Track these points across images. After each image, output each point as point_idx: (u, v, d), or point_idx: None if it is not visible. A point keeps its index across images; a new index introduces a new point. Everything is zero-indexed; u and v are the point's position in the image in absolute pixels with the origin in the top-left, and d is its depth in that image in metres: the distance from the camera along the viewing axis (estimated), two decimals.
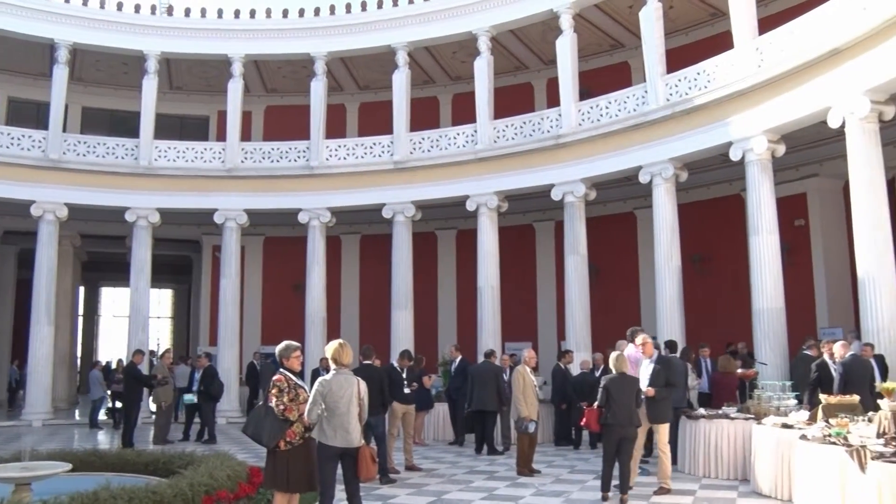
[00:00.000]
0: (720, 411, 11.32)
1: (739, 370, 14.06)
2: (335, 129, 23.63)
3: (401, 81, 21.72)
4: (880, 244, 13.39)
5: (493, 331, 19.89)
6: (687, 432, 11.29)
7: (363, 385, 7.09)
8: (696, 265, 19.93)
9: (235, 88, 22.23)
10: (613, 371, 9.58)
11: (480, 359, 16.12)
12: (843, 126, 14.02)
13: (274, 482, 6.86)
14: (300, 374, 7.25)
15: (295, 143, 22.39)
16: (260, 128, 25.84)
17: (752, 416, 10.74)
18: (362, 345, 19.63)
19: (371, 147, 21.95)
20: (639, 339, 10.64)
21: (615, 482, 9.35)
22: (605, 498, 9.25)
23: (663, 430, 9.98)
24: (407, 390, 12.38)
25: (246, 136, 23.83)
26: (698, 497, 9.48)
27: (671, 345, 13.31)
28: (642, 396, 9.66)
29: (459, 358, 16.48)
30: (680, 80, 17.27)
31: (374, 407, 10.76)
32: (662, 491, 9.67)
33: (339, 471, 7.11)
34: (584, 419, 9.84)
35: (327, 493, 6.99)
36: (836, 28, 13.83)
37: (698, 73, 16.90)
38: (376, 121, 23.71)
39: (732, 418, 10.86)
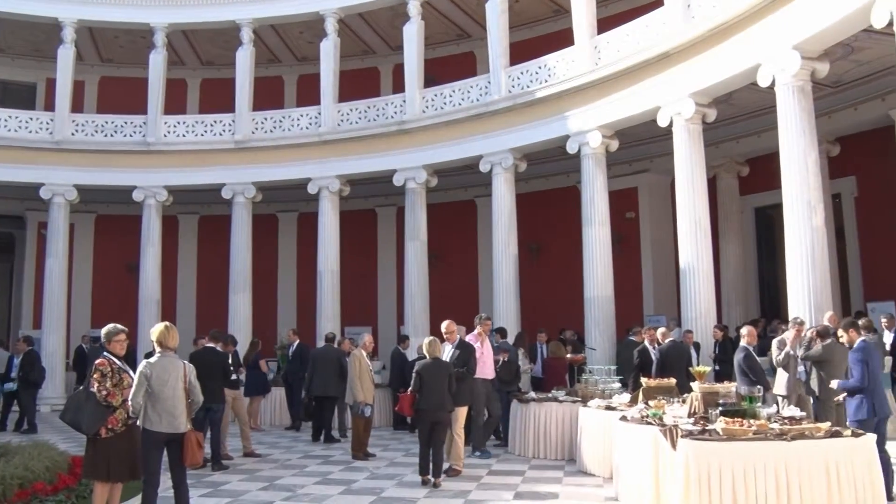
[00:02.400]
0: (550, 395, 11.76)
1: (569, 355, 14.66)
2: (175, 104, 22.74)
3: (245, 59, 21.16)
4: (700, 238, 14.32)
5: (333, 315, 19.83)
6: (518, 415, 11.66)
7: (190, 368, 6.90)
8: (533, 253, 20.59)
9: (66, 55, 20.93)
10: (427, 356, 9.73)
11: (320, 343, 15.99)
12: (671, 125, 14.86)
13: (94, 471, 6.60)
14: (127, 359, 6.99)
15: (131, 118, 21.37)
16: (94, 99, 24.51)
17: (580, 398, 11.22)
18: (199, 328, 19.29)
19: (212, 125, 21.31)
20: (444, 325, 10.83)
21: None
22: (424, 482, 9.34)
23: (462, 414, 10.19)
24: (233, 376, 12.10)
25: (78, 107, 22.54)
26: (527, 477, 9.81)
27: (501, 331, 13.72)
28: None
29: (297, 342, 16.30)
30: (522, 73, 17.72)
31: (215, 392, 10.56)
32: (454, 472, 9.85)
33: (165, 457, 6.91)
34: (398, 404, 9.97)
35: (152, 481, 6.75)
36: (668, 33, 14.62)
37: (539, 68, 17.40)
38: (218, 98, 22.99)
39: (561, 401, 11.31)
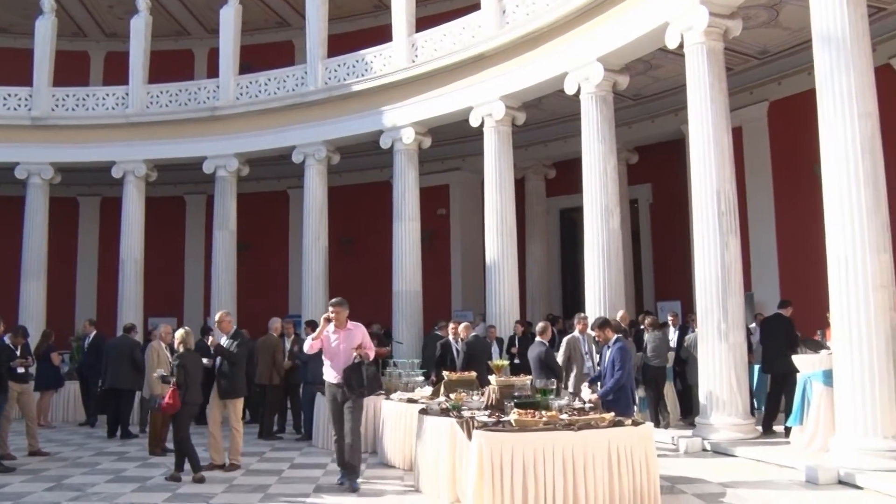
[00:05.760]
0: None
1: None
2: None
3: (45, 29, 19.80)
4: (506, 237, 14.88)
5: (136, 304, 19.08)
6: (321, 408, 11.63)
7: None
8: (345, 246, 20.61)
9: None
10: (181, 348, 9.39)
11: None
12: (482, 126, 15.33)
13: None
14: None
15: None
16: None
17: (383, 391, 11.31)
18: None
19: (5, 98, 19.78)
20: (217, 315, 10.58)
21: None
22: (176, 478, 8.95)
23: (239, 405, 10.01)
24: (21, 369, 11.34)
25: None
26: (329, 470, 9.80)
27: (311, 324, 13.62)
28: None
29: (94, 333, 15.50)
30: (339, 66, 17.73)
31: None
32: (233, 467, 9.65)
33: None
34: (165, 399, 9.37)
35: None
36: (482, 37, 15.09)
37: (357, 61, 17.47)
38: (14, 70, 21.33)
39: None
